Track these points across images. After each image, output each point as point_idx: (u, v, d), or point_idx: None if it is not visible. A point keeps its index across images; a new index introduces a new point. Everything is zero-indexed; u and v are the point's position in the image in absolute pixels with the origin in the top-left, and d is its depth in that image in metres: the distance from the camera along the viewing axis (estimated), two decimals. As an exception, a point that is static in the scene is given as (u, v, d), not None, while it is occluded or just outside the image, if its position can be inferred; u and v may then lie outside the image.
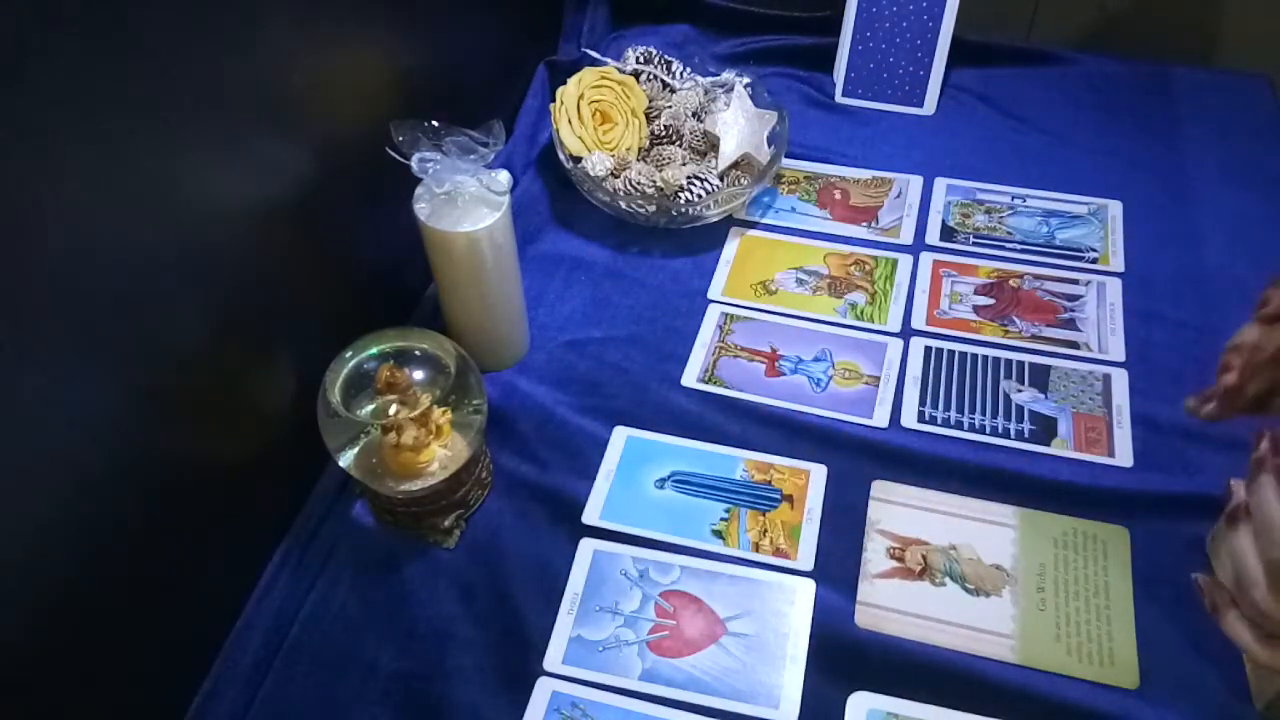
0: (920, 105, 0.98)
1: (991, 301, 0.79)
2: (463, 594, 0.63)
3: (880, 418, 0.71)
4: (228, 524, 0.60)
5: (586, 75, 0.88)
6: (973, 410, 0.71)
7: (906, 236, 0.85)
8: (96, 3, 0.42)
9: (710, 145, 0.86)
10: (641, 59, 0.93)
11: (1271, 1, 1.06)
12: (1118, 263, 0.82)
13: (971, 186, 0.90)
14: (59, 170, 0.42)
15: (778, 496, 0.67)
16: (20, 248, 0.41)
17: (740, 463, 0.69)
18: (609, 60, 0.93)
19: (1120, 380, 0.73)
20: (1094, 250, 0.83)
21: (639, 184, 0.82)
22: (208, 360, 0.56)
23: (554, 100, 0.87)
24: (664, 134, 0.88)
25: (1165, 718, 0.55)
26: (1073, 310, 0.78)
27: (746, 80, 0.91)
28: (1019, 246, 0.84)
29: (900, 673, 0.58)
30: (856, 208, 0.88)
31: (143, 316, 0.49)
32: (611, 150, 0.86)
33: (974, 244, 0.84)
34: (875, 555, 0.64)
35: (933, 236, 0.85)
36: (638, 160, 0.87)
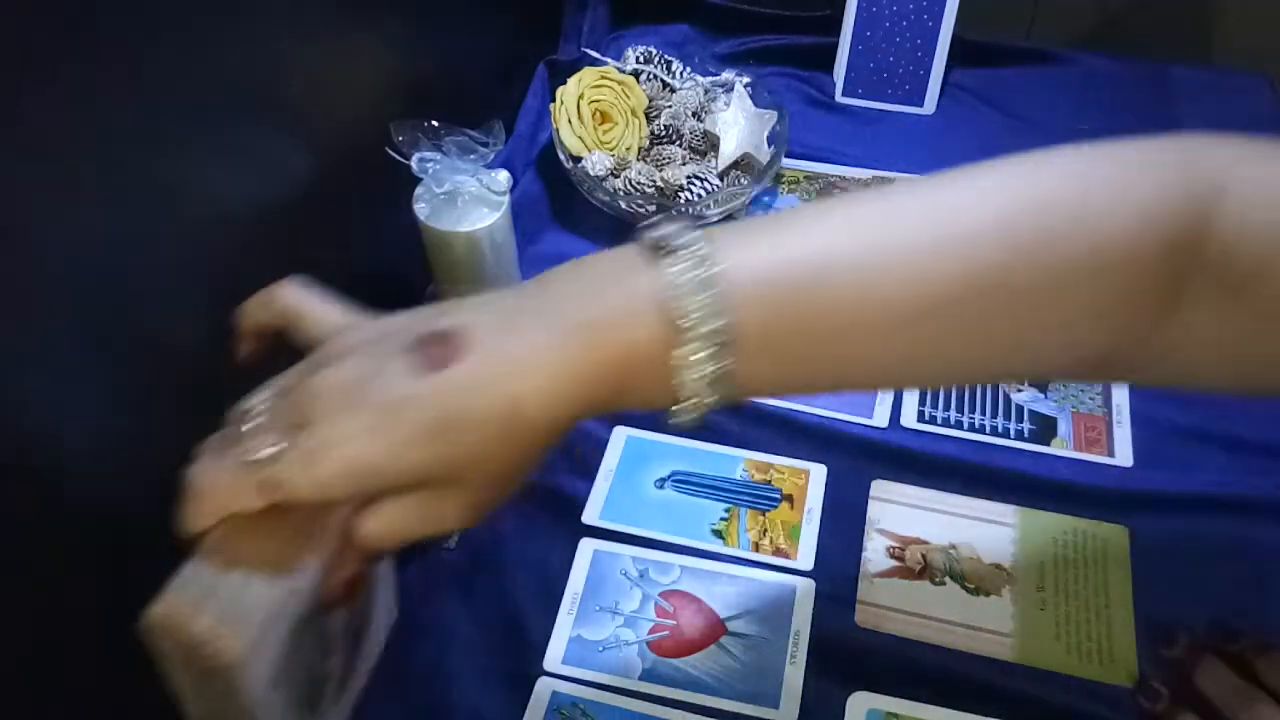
0: (920, 105, 0.98)
1: (991, 301, 0.79)
2: (463, 594, 0.63)
3: (880, 417, 0.71)
4: (228, 524, 0.60)
5: (586, 75, 0.88)
6: (972, 410, 0.71)
7: (906, 236, 0.85)
8: (97, 3, 0.42)
9: (710, 145, 0.86)
10: (641, 59, 0.93)
11: (1272, 1, 1.06)
12: (1118, 262, 0.81)
13: (971, 186, 0.89)
14: (59, 170, 0.42)
15: (778, 496, 0.67)
16: (20, 247, 0.41)
17: (740, 462, 0.69)
18: (609, 60, 0.93)
19: (1120, 380, 0.73)
20: (1094, 250, 0.82)
21: (639, 184, 0.82)
22: (208, 360, 0.55)
23: (554, 100, 0.87)
24: (664, 134, 0.88)
25: (1165, 717, 0.55)
26: (1073, 310, 0.78)
27: (746, 80, 0.91)
28: (1019, 246, 0.83)
29: (900, 672, 0.58)
30: (856, 207, 0.88)
31: (143, 316, 0.49)
32: (611, 150, 0.86)
33: (974, 244, 0.84)
34: (875, 555, 0.64)
35: (933, 236, 0.85)
36: (638, 160, 0.87)
